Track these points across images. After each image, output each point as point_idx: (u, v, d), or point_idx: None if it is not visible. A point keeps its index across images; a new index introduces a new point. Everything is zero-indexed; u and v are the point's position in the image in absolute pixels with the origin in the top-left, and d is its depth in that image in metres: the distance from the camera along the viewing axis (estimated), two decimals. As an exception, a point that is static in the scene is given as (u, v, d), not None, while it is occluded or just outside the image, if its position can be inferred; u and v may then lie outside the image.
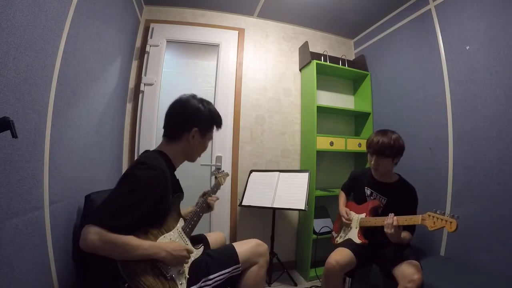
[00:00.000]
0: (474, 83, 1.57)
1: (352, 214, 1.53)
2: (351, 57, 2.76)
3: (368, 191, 1.52)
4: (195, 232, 1.16)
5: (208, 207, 1.28)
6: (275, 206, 1.93)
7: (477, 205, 1.50)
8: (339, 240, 1.55)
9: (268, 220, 2.20)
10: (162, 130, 1.08)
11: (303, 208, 1.81)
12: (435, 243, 1.68)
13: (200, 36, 2.29)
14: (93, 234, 0.76)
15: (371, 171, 1.51)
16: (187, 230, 1.06)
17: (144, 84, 2.13)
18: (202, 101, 1.09)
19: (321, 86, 2.50)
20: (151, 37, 2.17)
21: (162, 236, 0.93)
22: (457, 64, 1.67)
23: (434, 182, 1.76)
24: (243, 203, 2.05)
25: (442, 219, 1.08)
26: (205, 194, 1.29)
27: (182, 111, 1.06)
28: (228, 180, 2.11)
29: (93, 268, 1.12)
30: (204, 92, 2.24)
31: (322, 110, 2.31)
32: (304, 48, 2.41)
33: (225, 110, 2.22)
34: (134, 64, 2.16)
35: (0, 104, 0.73)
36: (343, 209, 1.57)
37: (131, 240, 0.82)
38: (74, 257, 1.17)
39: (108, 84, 1.63)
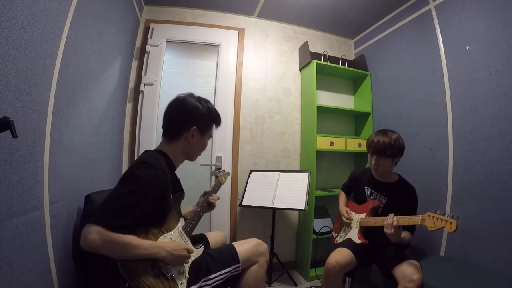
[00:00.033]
0: (474, 83, 1.57)
1: (352, 214, 1.53)
2: (351, 57, 2.76)
3: (368, 191, 1.52)
4: (196, 231, 1.16)
5: (210, 206, 1.28)
6: (275, 206, 1.93)
7: (477, 205, 1.50)
8: (339, 240, 1.55)
9: (268, 220, 2.20)
10: (162, 130, 1.08)
11: (303, 208, 1.81)
12: (435, 243, 1.68)
13: (200, 36, 2.29)
14: (94, 233, 0.76)
15: (371, 171, 1.51)
16: (188, 229, 1.06)
17: (144, 84, 2.13)
18: (200, 99, 1.09)
19: (321, 86, 2.50)
20: (151, 37, 2.17)
21: (163, 236, 0.93)
22: (457, 64, 1.67)
23: (434, 182, 1.76)
24: (243, 203, 2.05)
25: (442, 219, 1.08)
26: (206, 194, 1.29)
27: (180, 110, 1.06)
28: (228, 180, 2.10)
29: (93, 268, 1.12)
30: (204, 92, 2.24)
31: (322, 110, 2.31)
32: (304, 48, 2.41)
33: (225, 110, 2.22)
34: (134, 64, 2.16)
35: (0, 104, 0.73)
36: (343, 209, 1.57)
37: (132, 239, 0.82)
38: (74, 257, 1.17)
39: (108, 84, 1.63)
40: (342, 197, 1.71)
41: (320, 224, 2.16)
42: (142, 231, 0.88)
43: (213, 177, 2.15)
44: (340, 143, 2.28)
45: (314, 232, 2.10)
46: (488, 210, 1.44)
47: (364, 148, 1.93)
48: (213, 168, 2.18)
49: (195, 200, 1.28)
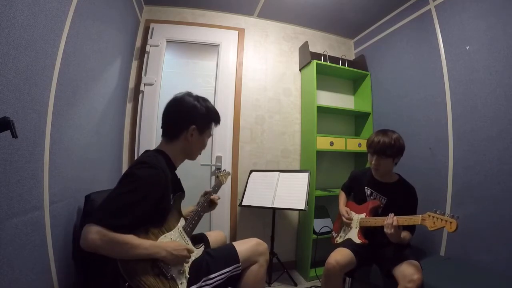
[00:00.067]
0: (474, 83, 1.57)
1: (352, 214, 1.53)
2: (351, 57, 2.76)
3: (368, 191, 1.52)
4: (196, 231, 1.16)
5: (210, 206, 1.28)
6: (275, 206, 1.93)
7: (477, 205, 1.50)
8: (339, 240, 1.55)
9: (268, 220, 2.20)
10: (161, 130, 1.08)
11: (303, 208, 1.81)
12: (435, 243, 1.68)
13: (200, 36, 2.29)
14: (94, 233, 0.76)
15: (371, 171, 1.51)
16: (188, 229, 1.06)
17: (144, 84, 2.13)
18: (198, 98, 1.08)
19: (321, 86, 2.50)
20: (151, 37, 2.17)
21: (163, 236, 0.93)
22: (457, 64, 1.67)
23: (434, 182, 1.76)
24: (243, 203, 2.05)
25: (442, 219, 1.08)
26: (206, 194, 1.29)
27: (178, 109, 1.05)
28: (228, 180, 2.10)
29: (94, 268, 1.12)
30: (204, 92, 2.23)
31: (322, 110, 2.31)
32: (304, 48, 2.41)
33: (225, 110, 2.22)
34: (134, 64, 2.16)
35: (0, 104, 0.73)
36: (343, 209, 1.57)
37: (132, 239, 0.82)
38: (74, 257, 1.17)
39: (108, 84, 1.63)
40: (342, 197, 1.71)
41: (320, 224, 2.16)
42: (142, 231, 0.88)
43: (213, 177, 2.15)
44: (340, 143, 2.28)
45: (314, 232, 2.10)
46: (488, 210, 1.44)
47: (364, 148, 1.93)
48: (213, 168, 2.18)
49: (195, 200, 1.28)
